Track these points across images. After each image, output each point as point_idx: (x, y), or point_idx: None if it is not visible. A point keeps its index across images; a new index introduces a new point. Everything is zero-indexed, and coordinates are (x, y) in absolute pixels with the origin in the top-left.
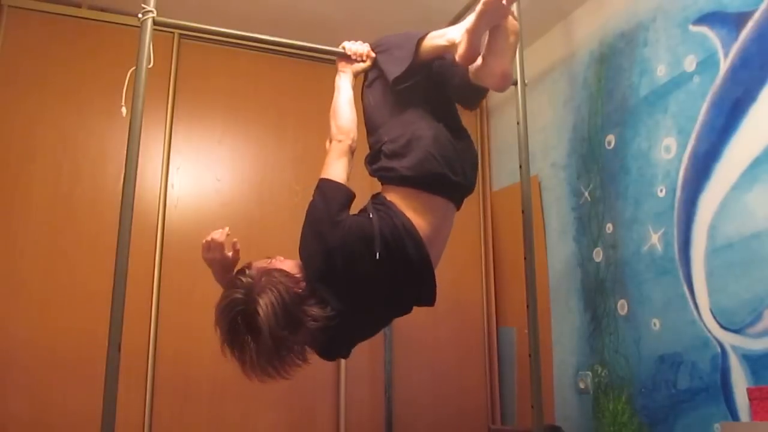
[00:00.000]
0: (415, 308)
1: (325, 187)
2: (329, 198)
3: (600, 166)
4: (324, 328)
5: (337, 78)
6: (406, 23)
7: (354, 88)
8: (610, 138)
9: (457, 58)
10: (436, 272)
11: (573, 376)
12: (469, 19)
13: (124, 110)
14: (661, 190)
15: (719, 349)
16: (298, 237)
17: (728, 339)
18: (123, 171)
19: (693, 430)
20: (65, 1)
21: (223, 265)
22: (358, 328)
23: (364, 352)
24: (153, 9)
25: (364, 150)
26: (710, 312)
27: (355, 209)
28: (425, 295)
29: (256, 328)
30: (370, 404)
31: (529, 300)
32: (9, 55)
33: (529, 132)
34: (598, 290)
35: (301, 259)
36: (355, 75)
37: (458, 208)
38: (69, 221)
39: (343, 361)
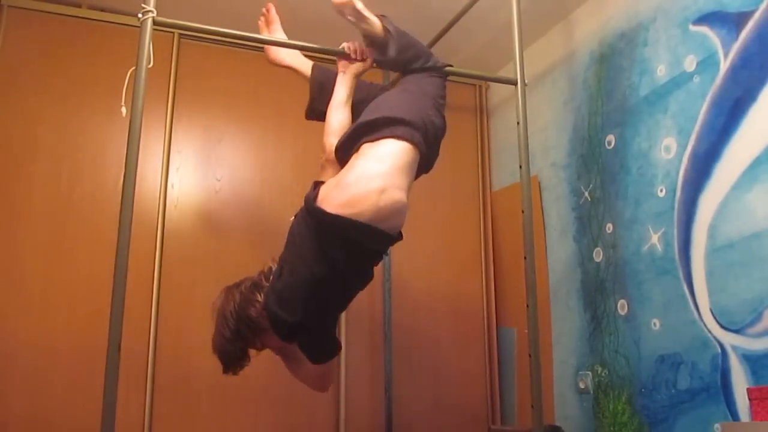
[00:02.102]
0: (415, 311)
1: None
2: None
3: (600, 166)
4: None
5: (338, 78)
6: (406, 23)
7: None
8: (610, 138)
9: None
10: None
11: (573, 376)
12: None
13: (124, 110)
14: (661, 190)
15: (719, 349)
16: None
17: (728, 339)
18: (123, 171)
19: (693, 430)
20: (65, 1)
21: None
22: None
23: (364, 352)
24: (153, 9)
25: None
26: (710, 312)
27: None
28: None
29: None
30: (370, 404)
31: (529, 300)
32: (9, 55)
33: (529, 132)
34: (598, 290)
35: None
36: (357, 74)
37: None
38: (69, 221)
39: (343, 361)
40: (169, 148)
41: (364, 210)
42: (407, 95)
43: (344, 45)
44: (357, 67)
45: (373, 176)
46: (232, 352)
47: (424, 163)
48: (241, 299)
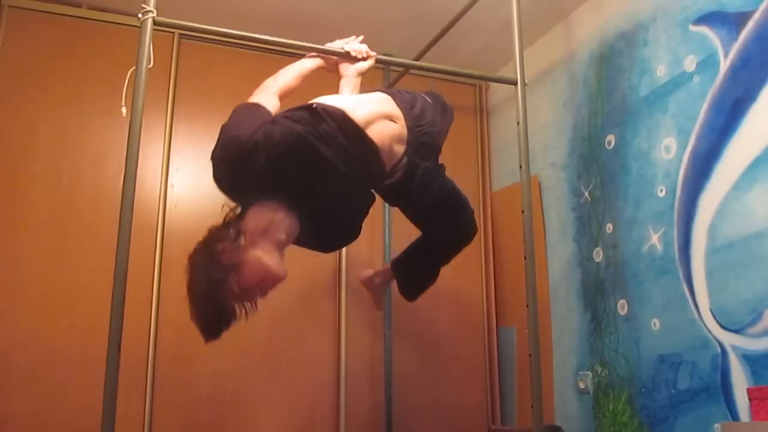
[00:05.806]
0: (415, 310)
1: None
2: None
3: (600, 166)
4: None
5: (342, 80)
6: (406, 23)
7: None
8: (610, 138)
9: None
10: None
11: (573, 376)
12: None
13: (124, 110)
14: (661, 190)
15: (719, 349)
16: None
17: (728, 339)
18: (123, 171)
19: (693, 430)
20: (65, 1)
21: None
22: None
23: (364, 351)
24: (153, 9)
25: None
26: (710, 312)
27: None
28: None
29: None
30: (370, 404)
31: (529, 300)
32: (9, 55)
33: (529, 132)
34: (598, 290)
35: None
36: (360, 73)
37: None
38: (69, 221)
39: (343, 360)
40: (169, 148)
41: None
42: None
43: (344, 46)
44: (360, 66)
45: None
46: (214, 303)
47: None
48: (208, 237)
